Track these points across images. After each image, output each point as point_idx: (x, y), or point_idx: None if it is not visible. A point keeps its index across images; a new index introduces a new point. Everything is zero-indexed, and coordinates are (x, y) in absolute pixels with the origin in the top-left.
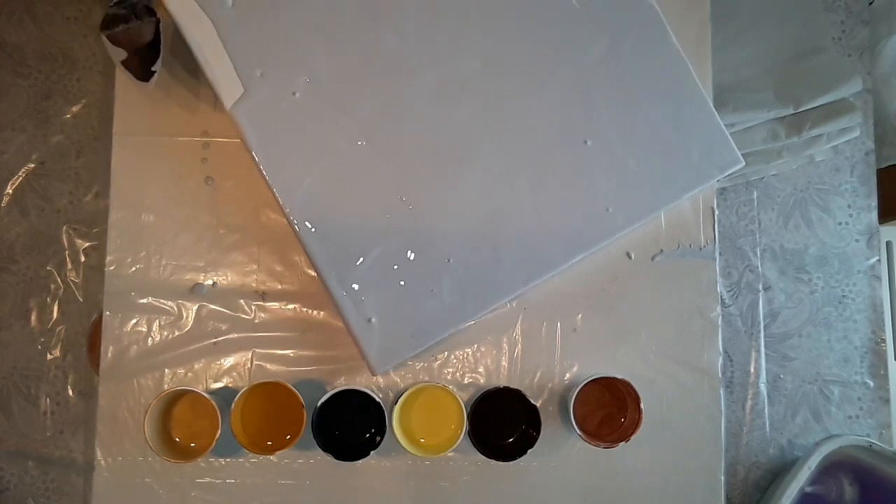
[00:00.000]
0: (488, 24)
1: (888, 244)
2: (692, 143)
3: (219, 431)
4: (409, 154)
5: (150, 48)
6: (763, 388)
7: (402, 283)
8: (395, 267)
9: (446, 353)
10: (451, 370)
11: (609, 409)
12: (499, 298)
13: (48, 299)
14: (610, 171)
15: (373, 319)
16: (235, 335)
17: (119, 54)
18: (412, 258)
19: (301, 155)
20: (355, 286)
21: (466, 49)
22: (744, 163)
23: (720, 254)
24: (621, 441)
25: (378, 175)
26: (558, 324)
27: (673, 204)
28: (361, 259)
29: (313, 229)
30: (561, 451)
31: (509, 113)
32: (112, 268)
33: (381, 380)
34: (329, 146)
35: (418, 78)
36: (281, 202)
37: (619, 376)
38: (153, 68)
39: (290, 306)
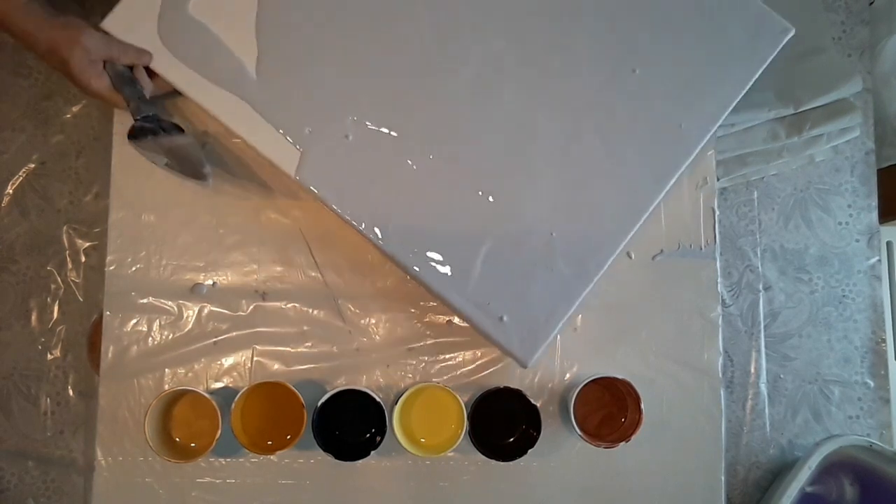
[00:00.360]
0: (497, 2)
1: (888, 244)
2: (736, 30)
3: (219, 431)
4: (474, 150)
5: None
6: (763, 388)
7: (517, 272)
8: (505, 259)
9: (447, 352)
10: (451, 370)
11: (609, 409)
12: (613, 250)
13: (48, 299)
14: (668, 88)
15: (504, 318)
16: (235, 335)
17: (158, 160)
18: (517, 245)
19: (377, 191)
20: (477, 293)
21: (487, 33)
22: (793, 29)
23: (720, 254)
24: (621, 441)
25: (453, 181)
26: None
27: (743, 92)
28: (472, 265)
29: (418, 256)
30: (561, 451)
31: (551, 75)
32: (112, 268)
33: (381, 380)
34: (397, 172)
35: (454, 76)
36: (382, 246)
37: (619, 376)
38: (204, 171)
39: (290, 306)
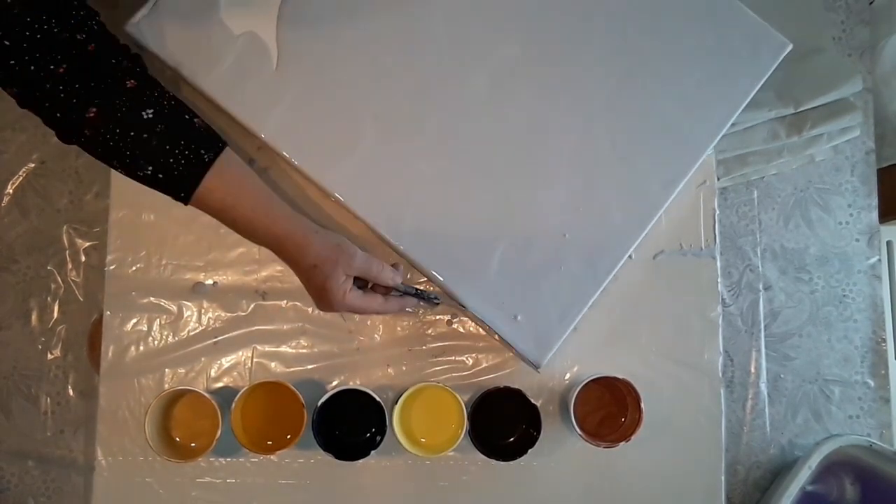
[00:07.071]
0: (511, 10)
1: (888, 244)
2: (738, 45)
3: (219, 431)
4: (490, 153)
5: None
6: (763, 387)
7: (531, 272)
8: (519, 260)
9: (447, 352)
10: (451, 370)
11: (609, 409)
12: (623, 252)
13: (48, 299)
14: (675, 98)
15: (518, 317)
16: (235, 335)
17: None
18: (531, 247)
19: (394, 194)
20: (492, 293)
21: (502, 40)
22: (790, 45)
23: (720, 253)
24: (621, 441)
25: (469, 183)
26: None
27: (745, 103)
28: (487, 266)
29: (434, 258)
30: (561, 451)
31: (563, 82)
32: (112, 267)
33: (381, 380)
34: (415, 176)
35: (469, 83)
36: (395, 245)
37: (619, 376)
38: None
39: (290, 305)
